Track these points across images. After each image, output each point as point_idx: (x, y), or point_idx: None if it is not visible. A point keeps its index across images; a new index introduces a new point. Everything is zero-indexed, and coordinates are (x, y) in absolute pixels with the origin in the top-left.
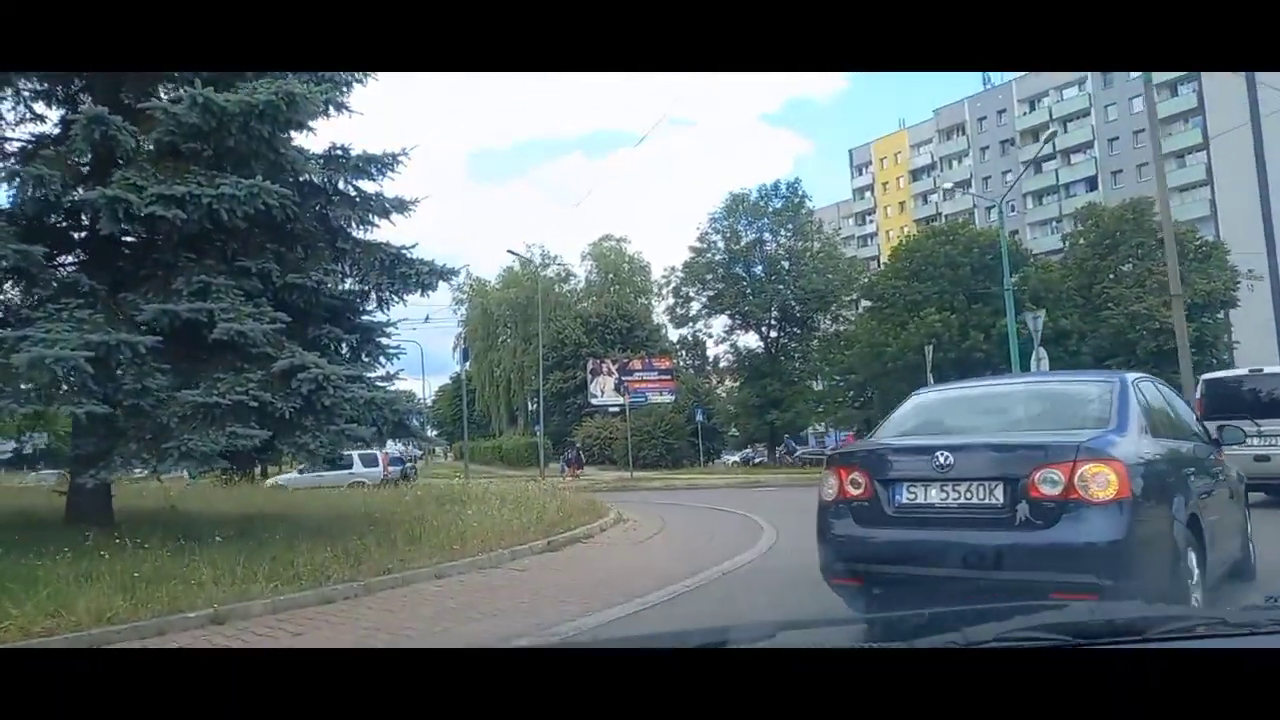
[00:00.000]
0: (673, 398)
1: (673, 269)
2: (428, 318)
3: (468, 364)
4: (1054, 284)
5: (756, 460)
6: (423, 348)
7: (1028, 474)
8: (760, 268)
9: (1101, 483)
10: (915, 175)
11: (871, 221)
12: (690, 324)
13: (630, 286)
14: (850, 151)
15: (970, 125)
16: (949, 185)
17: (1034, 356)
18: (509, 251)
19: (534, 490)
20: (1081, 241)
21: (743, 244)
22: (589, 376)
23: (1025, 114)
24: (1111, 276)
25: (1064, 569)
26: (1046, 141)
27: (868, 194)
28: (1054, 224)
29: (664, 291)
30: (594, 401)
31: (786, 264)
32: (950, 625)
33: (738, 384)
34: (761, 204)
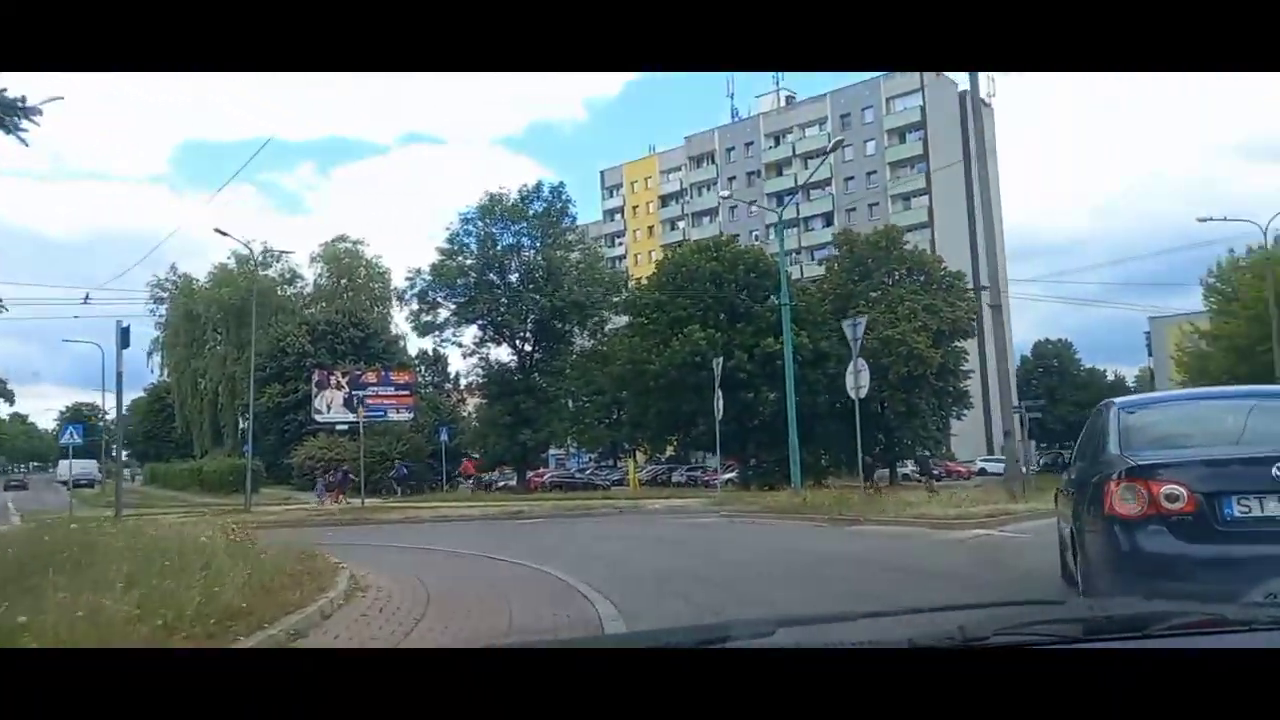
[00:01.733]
0: (412, 415)
1: (418, 271)
2: (87, 297)
3: (153, 371)
4: (814, 307)
5: (501, 484)
6: (104, 349)
7: None
8: (516, 275)
9: None
10: (665, 200)
11: (621, 244)
12: (437, 333)
13: (366, 293)
14: (601, 172)
15: (719, 155)
16: (748, 204)
17: (851, 367)
18: (217, 231)
19: (218, 539)
20: (836, 266)
21: (499, 249)
22: (314, 390)
23: (771, 148)
24: (863, 302)
25: None
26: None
27: (618, 216)
28: (794, 255)
29: (408, 296)
30: (319, 418)
31: (545, 273)
32: (949, 623)
33: (486, 401)
34: (522, 206)
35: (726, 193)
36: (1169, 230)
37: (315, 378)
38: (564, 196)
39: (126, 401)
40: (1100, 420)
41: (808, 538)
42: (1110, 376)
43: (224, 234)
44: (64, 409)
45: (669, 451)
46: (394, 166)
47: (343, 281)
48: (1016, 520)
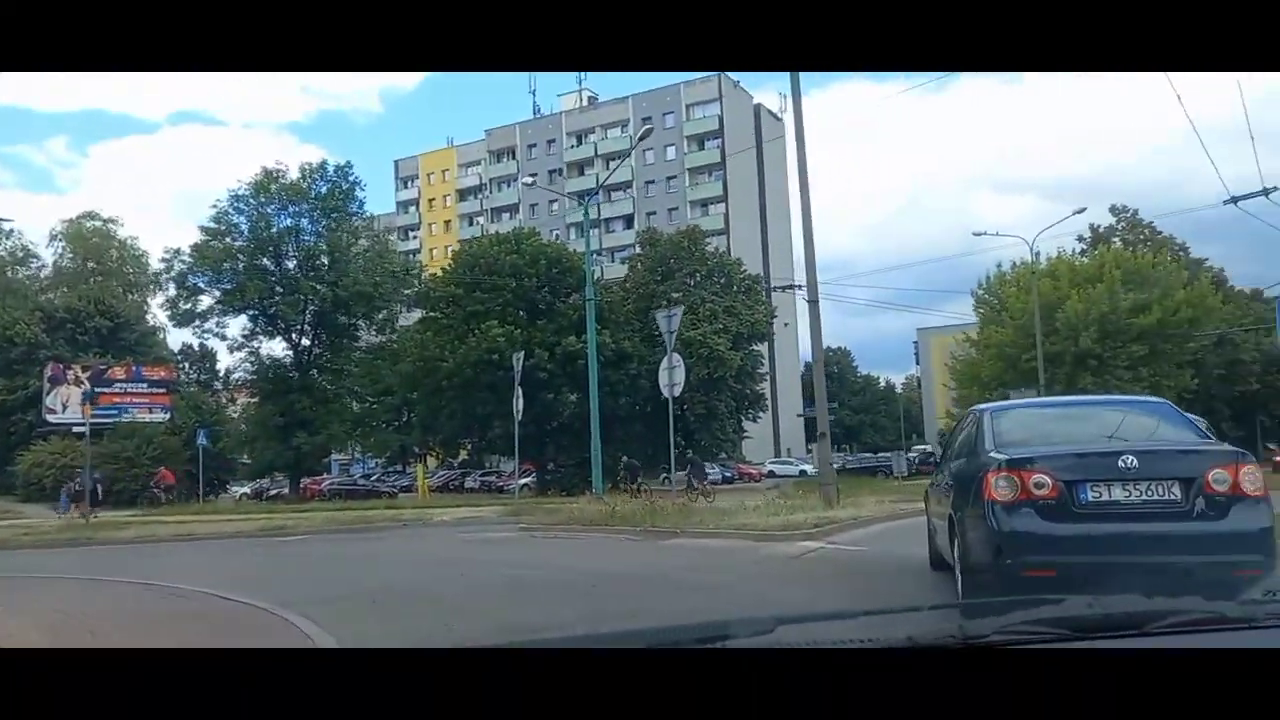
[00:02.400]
0: (168, 415)
1: (176, 252)
2: None
3: None
4: (617, 306)
5: (273, 492)
6: None
7: (1202, 474)
8: (294, 261)
9: (1256, 480)
10: (463, 195)
11: (415, 237)
12: (197, 324)
13: (118, 278)
14: (396, 162)
15: (521, 150)
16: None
17: (665, 363)
18: None
19: None
20: (639, 265)
21: (274, 231)
22: (46, 385)
23: (573, 146)
24: (665, 302)
25: (1241, 551)
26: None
27: (413, 208)
28: (595, 256)
29: (163, 280)
30: (52, 419)
31: (327, 259)
32: (949, 621)
33: (256, 400)
34: (302, 186)
35: (530, 178)
36: (933, 251)
37: (49, 371)
38: (351, 178)
39: None
40: (974, 424)
41: (619, 554)
42: (882, 383)
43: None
44: None
45: (463, 456)
46: (163, 146)
47: (89, 264)
48: (842, 529)
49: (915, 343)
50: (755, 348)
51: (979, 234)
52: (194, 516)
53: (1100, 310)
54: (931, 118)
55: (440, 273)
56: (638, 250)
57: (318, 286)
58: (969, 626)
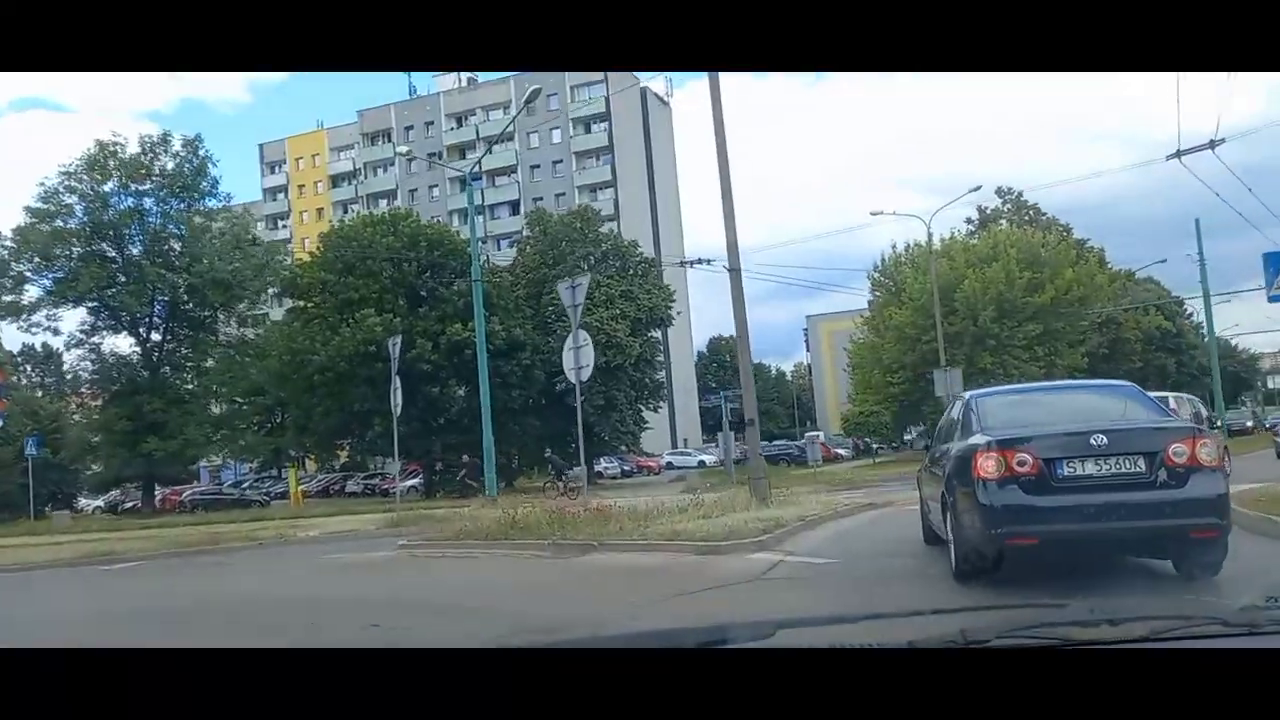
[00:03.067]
0: (0, 422)
1: None
2: None
3: None
4: (505, 292)
5: (129, 504)
6: None
7: (1162, 448)
8: (139, 247)
9: (1210, 451)
10: (335, 181)
11: (285, 226)
12: (22, 317)
13: None
14: (260, 146)
15: (397, 133)
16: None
17: (570, 342)
18: None
19: None
20: (529, 248)
21: (113, 213)
22: None
23: (453, 129)
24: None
25: (1198, 515)
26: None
27: (281, 195)
28: (480, 242)
29: None
30: None
31: (178, 244)
32: (950, 625)
33: (100, 404)
34: (144, 161)
35: (405, 148)
36: (823, 241)
37: None
38: (201, 152)
39: None
40: (961, 409)
41: (527, 581)
42: (773, 370)
43: None
44: None
45: (342, 458)
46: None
47: None
48: (792, 534)
49: (805, 330)
50: (653, 334)
51: (876, 213)
52: (14, 539)
53: (997, 289)
54: (818, 110)
55: (309, 257)
56: (526, 233)
57: (167, 274)
58: (970, 630)
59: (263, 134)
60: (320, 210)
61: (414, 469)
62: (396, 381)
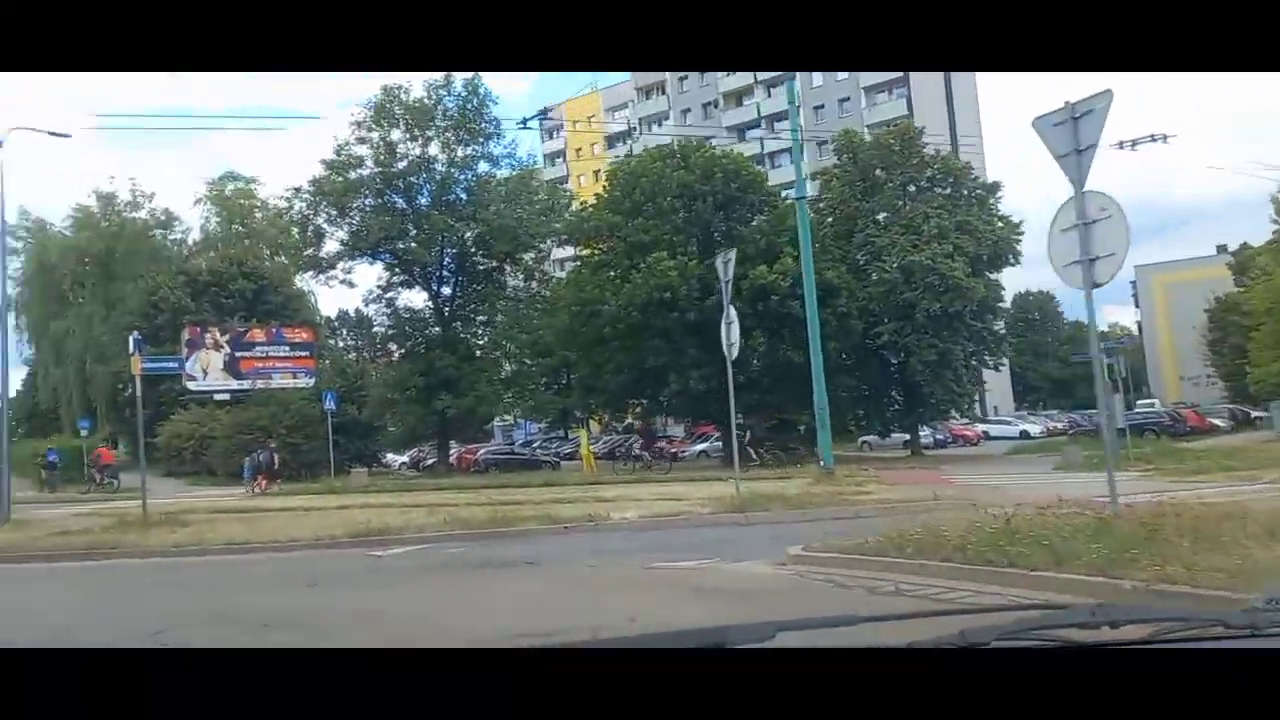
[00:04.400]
0: (312, 381)
1: (296, 190)
2: None
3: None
4: (812, 229)
5: (429, 461)
6: None
7: None
8: (426, 197)
9: None
10: (611, 142)
11: (565, 192)
12: (324, 272)
13: (263, 239)
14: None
15: (671, 85)
16: None
17: (724, 318)
18: (54, 134)
19: None
20: (835, 180)
21: (402, 162)
22: (184, 351)
23: (727, 75)
24: (873, 223)
25: None
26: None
27: (559, 160)
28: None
29: (285, 221)
30: (192, 386)
31: (464, 193)
32: (951, 627)
33: (396, 359)
34: (428, 106)
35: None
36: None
37: (186, 335)
38: (481, 92)
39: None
40: None
41: None
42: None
43: (62, 135)
44: None
45: (629, 419)
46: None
47: (235, 227)
48: None
49: (1133, 282)
50: (993, 275)
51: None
52: (302, 497)
53: None
54: None
55: (595, 199)
56: (835, 162)
57: (455, 224)
58: (970, 630)
59: (538, 100)
60: (597, 172)
61: (705, 432)
62: (731, 313)
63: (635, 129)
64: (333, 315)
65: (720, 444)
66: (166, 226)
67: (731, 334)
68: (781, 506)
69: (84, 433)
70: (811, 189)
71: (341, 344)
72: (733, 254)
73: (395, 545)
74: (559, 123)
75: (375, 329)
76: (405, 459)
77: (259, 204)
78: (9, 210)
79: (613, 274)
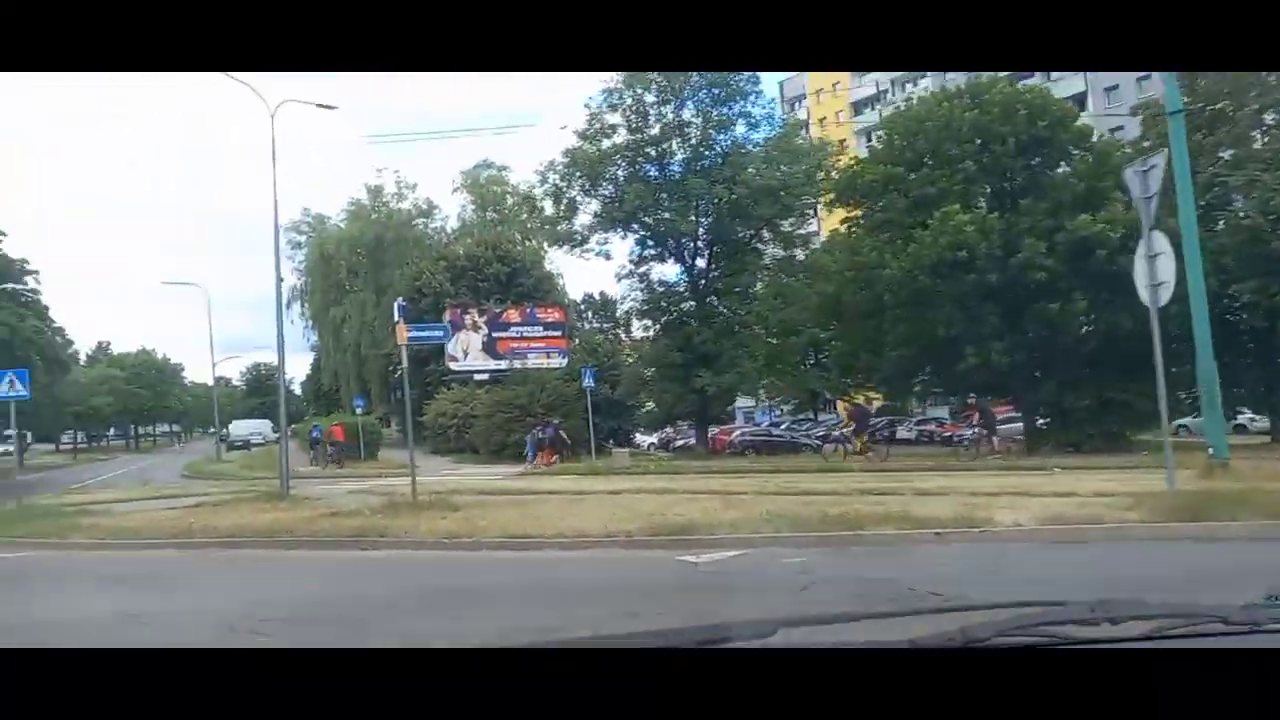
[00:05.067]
0: (565, 360)
1: (550, 164)
2: None
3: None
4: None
5: (679, 442)
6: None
7: None
8: (679, 164)
9: None
10: (858, 108)
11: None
12: (578, 246)
13: (514, 225)
14: (780, 84)
15: None
16: None
17: (1141, 249)
18: (321, 105)
19: None
20: (1154, 120)
21: (656, 128)
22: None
23: None
24: (1220, 160)
25: None
26: None
27: (804, 133)
28: None
29: (539, 197)
30: (454, 366)
31: (721, 157)
32: (951, 624)
33: (651, 336)
34: None
35: None
36: None
37: (447, 317)
38: None
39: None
40: None
41: None
42: None
43: (328, 106)
44: (244, 370)
45: (910, 399)
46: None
47: (488, 213)
48: None
49: None
50: None
51: None
52: (578, 478)
53: None
54: None
55: (875, 147)
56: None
57: (711, 189)
58: (971, 629)
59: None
60: (842, 142)
61: (1004, 409)
62: (1158, 241)
63: (886, 90)
64: (578, 299)
65: (1020, 426)
66: (428, 215)
67: (1159, 270)
68: (1252, 514)
69: (359, 411)
70: (1132, 128)
71: (587, 326)
72: (1159, 160)
73: (708, 548)
74: (800, 94)
75: (627, 304)
76: (654, 439)
77: (510, 189)
78: (294, 209)
79: (890, 235)
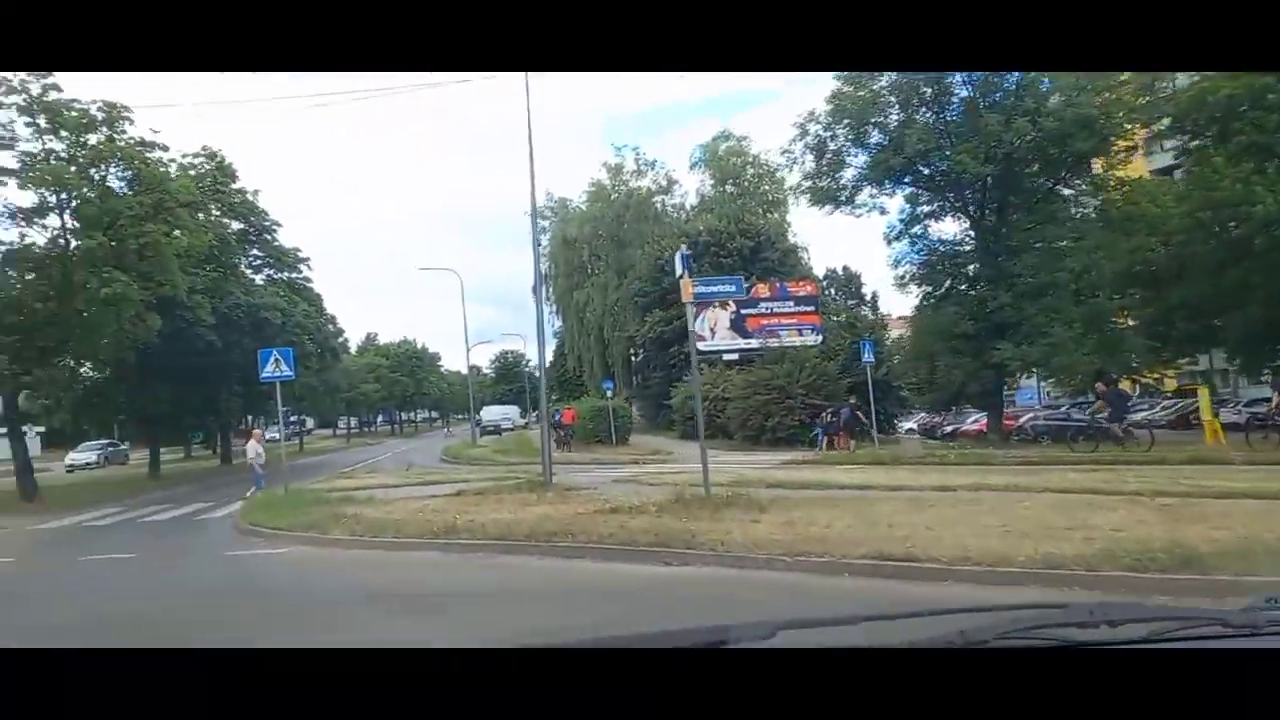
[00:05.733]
0: (819, 338)
1: (810, 114)
2: None
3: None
4: None
5: (948, 429)
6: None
7: None
8: (956, 107)
9: None
10: None
11: None
12: (843, 205)
13: (755, 197)
14: None
15: None
16: None
17: None
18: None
19: None
20: None
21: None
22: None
23: None
24: None
25: None
26: None
27: None
28: None
29: (799, 154)
30: (701, 346)
31: (1017, 88)
32: (950, 626)
33: (929, 301)
34: None
35: None
36: None
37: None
38: None
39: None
40: None
41: None
42: None
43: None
44: (492, 358)
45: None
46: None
47: (728, 187)
48: None
49: None
50: None
51: None
52: (859, 472)
53: None
54: None
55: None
56: None
57: (1012, 121)
58: (970, 632)
59: None
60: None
61: None
62: None
63: None
64: (820, 274)
65: None
66: (666, 192)
67: None
68: None
69: (608, 394)
70: None
71: (834, 303)
72: None
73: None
74: None
75: (902, 268)
76: (913, 425)
77: (750, 160)
78: (539, 195)
79: (1253, 162)
